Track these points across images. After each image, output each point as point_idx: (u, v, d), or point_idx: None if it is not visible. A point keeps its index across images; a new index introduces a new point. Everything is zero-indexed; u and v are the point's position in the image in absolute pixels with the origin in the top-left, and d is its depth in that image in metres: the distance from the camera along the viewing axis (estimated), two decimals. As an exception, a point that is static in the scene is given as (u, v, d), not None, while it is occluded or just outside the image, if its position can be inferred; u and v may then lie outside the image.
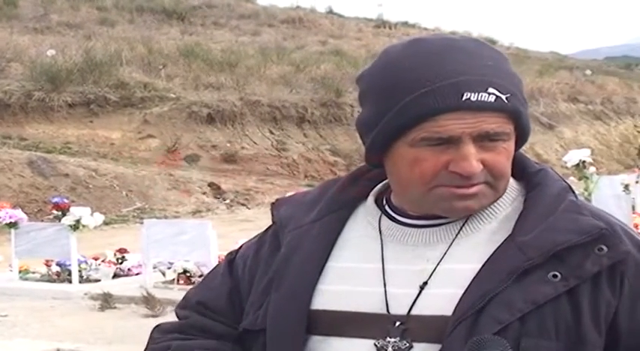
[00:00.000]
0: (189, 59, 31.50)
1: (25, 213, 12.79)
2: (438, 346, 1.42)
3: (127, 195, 21.63)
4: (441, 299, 1.44)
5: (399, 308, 1.47)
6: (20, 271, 11.91)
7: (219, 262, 1.80)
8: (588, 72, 48.38)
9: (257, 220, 17.74)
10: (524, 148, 1.56)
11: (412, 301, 1.47)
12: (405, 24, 58.04)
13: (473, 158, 1.43)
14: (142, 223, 13.38)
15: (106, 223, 14.62)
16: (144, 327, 8.57)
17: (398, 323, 1.46)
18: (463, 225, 1.51)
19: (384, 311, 1.48)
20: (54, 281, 11.61)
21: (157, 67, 29.55)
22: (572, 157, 9.57)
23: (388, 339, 1.46)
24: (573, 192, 1.54)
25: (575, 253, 1.43)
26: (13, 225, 11.76)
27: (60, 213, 11.75)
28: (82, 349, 8.45)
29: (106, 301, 10.32)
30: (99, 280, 11.49)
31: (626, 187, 14.93)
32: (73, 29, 36.99)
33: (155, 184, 22.60)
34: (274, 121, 27.91)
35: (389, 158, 1.51)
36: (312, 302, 1.52)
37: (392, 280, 1.50)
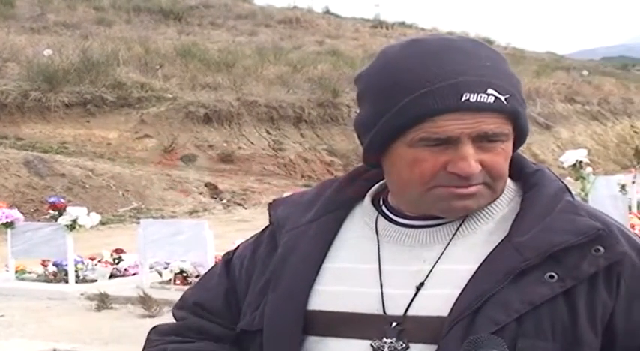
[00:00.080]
0: (186, 59, 31.48)
1: (22, 213, 12.76)
2: (435, 347, 1.42)
3: (123, 195, 21.61)
4: (438, 300, 1.45)
5: (395, 309, 1.47)
6: (17, 271, 11.90)
7: (215, 262, 1.80)
8: (585, 72, 48.40)
9: (254, 221, 17.74)
10: (520, 148, 1.56)
11: (409, 301, 1.47)
12: (402, 24, 58.02)
13: (471, 159, 1.43)
14: (138, 223, 13.36)
15: (102, 223, 14.60)
16: (140, 327, 8.57)
17: (394, 324, 1.46)
18: (460, 225, 1.51)
19: (381, 312, 1.48)
20: (50, 281, 11.59)
21: (154, 67, 29.53)
22: (569, 157, 9.58)
23: (385, 339, 1.46)
24: (570, 192, 1.54)
25: (571, 253, 1.43)
26: (9, 225, 11.75)
27: (56, 213, 11.74)
28: (78, 350, 8.44)
29: (103, 301, 10.31)
30: (95, 280, 11.48)
31: (623, 187, 14.92)
32: (70, 29, 36.95)
33: (152, 184, 22.58)
34: (271, 121, 27.90)
35: (387, 158, 1.51)
36: (309, 302, 1.53)
37: (388, 281, 1.50)
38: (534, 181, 1.55)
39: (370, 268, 1.52)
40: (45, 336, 8.97)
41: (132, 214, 20.37)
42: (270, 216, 1.68)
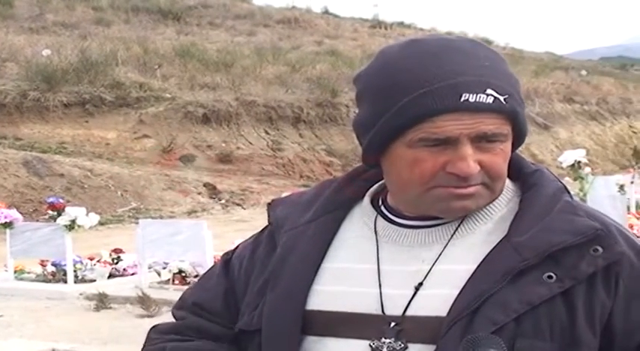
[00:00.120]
0: (185, 59, 31.48)
1: (21, 213, 12.75)
2: (433, 347, 1.42)
3: (122, 195, 21.60)
4: (436, 300, 1.45)
5: (394, 309, 1.47)
6: (15, 271, 11.89)
7: (214, 262, 1.80)
8: (584, 72, 48.42)
9: (252, 221, 17.74)
10: (519, 148, 1.56)
11: (407, 301, 1.47)
12: (401, 24, 58.04)
13: (470, 159, 1.43)
14: (137, 223, 13.36)
15: (101, 223, 14.60)
16: (139, 327, 8.57)
17: (393, 324, 1.46)
18: (459, 226, 1.51)
19: (379, 312, 1.48)
20: (49, 281, 11.58)
21: (153, 67, 29.52)
22: (568, 157, 9.59)
23: (383, 340, 1.46)
24: (569, 192, 1.54)
25: (570, 253, 1.43)
26: (8, 225, 11.74)
27: (55, 213, 11.73)
28: (77, 350, 8.43)
29: (102, 302, 10.30)
30: (94, 280, 11.47)
31: (621, 187, 14.93)
32: (69, 29, 36.94)
33: (150, 185, 22.57)
34: (270, 121, 27.90)
35: (386, 159, 1.51)
36: (308, 303, 1.53)
37: (387, 281, 1.50)
38: (533, 181, 1.55)
39: (369, 269, 1.52)
40: (44, 336, 8.96)
41: (130, 214, 20.36)
42: (269, 216, 1.68)
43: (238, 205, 23.02)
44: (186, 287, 1.86)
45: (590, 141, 37.24)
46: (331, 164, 27.13)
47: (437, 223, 1.52)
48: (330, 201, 1.63)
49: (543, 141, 34.47)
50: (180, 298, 1.76)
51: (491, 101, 1.43)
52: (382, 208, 1.59)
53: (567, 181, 8.59)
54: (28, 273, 12.04)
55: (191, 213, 21.40)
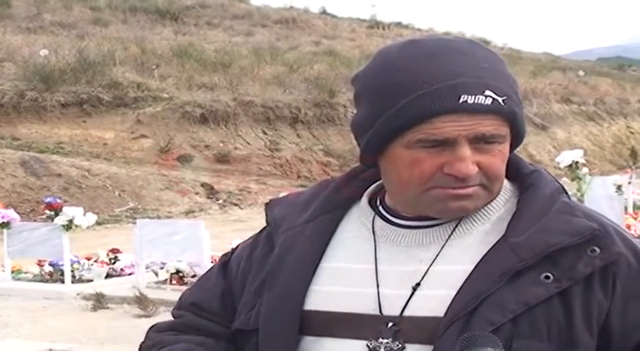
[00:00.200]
0: (183, 59, 31.47)
1: (18, 213, 12.75)
2: (431, 347, 1.42)
3: (119, 195, 21.59)
4: (434, 300, 1.45)
5: (391, 309, 1.47)
6: (13, 271, 11.88)
7: (211, 262, 1.81)
8: (581, 73, 48.46)
9: (250, 221, 17.74)
10: (517, 148, 1.56)
11: (405, 302, 1.47)
12: (399, 24, 58.09)
13: (468, 160, 1.43)
14: (134, 223, 13.35)
15: (98, 223, 14.59)
16: (136, 327, 8.58)
17: (390, 324, 1.46)
18: (456, 226, 1.51)
19: (377, 312, 1.48)
20: (46, 281, 11.58)
21: (150, 67, 29.51)
22: (565, 157, 9.60)
23: (381, 340, 1.46)
24: (566, 193, 1.54)
25: (567, 254, 1.43)
26: (5, 225, 11.73)
27: (53, 213, 11.72)
28: (74, 350, 8.43)
29: (99, 301, 10.30)
30: (91, 280, 11.47)
31: (619, 187, 14.98)
32: (66, 29, 36.93)
33: (148, 185, 22.57)
34: (267, 122, 27.90)
35: (384, 159, 1.51)
36: (305, 303, 1.53)
37: (385, 281, 1.50)
38: (531, 182, 1.55)
39: (366, 269, 1.52)
40: (41, 336, 8.96)
41: (128, 214, 20.35)
42: (266, 216, 1.68)
43: (236, 205, 23.01)
44: (183, 287, 1.87)
45: (587, 141, 37.27)
46: (329, 164, 27.14)
47: (434, 224, 1.52)
48: (328, 201, 1.63)
49: (541, 141, 34.49)
50: (179, 299, 1.77)
51: (489, 102, 1.42)
52: (380, 208, 1.59)
53: (565, 181, 8.59)
54: (26, 273, 12.04)
55: (189, 213, 21.40)
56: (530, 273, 1.42)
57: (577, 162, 9.46)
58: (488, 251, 1.46)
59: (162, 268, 11.34)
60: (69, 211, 11.53)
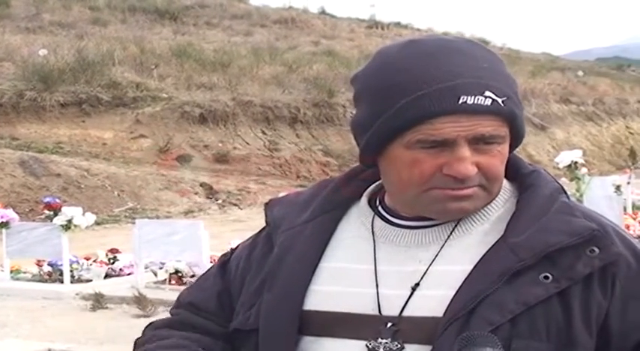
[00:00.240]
0: (182, 59, 31.47)
1: (17, 213, 12.74)
2: (429, 348, 1.42)
3: (118, 195, 21.59)
4: (433, 300, 1.45)
5: (390, 309, 1.47)
6: (11, 271, 11.88)
7: (210, 262, 1.81)
8: (580, 73, 48.49)
9: (249, 221, 17.74)
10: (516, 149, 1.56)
11: (404, 302, 1.47)
12: (398, 24, 58.11)
13: (468, 161, 1.43)
14: (133, 223, 13.35)
15: (97, 223, 14.58)
16: (135, 327, 8.55)
17: (389, 324, 1.46)
18: (455, 226, 1.51)
19: (376, 312, 1.48)
20: (45, 281, 11.57)
21: (150, 67, 29.51)
22: (564, 158, 9.59)
23: (380, 340, 1.46)
24: (566, 193, 1.54)
25: (566, 254, 1.43)
26: (4, 225, 11.72)
27: (52, 213, 11.71)
28: (73, 350, 8.42)
29: (98, 302, 10.30)
30: (90, 280, 11.46)
31: (618, 188, 14.98)
32: (66, 29, 36.93)
33: (147, 185, 22.56)
34: (266, 122, 27.90)
35: (383, 159, 1.51)
36: (305, 303, 1.53)
37: (384, 281, 1.50)
38: (530, 182, 1.55)
39: (366, 269, 1.52)
40: (40, 336, 8.95)
41: (127, 214, 20.35)
42: (266, 216, 1.68)
43: (235, 205, 23.01)
44: (182, 287, 1.88)
45: (586, 141, 37.28)
46: (328, 164, 27.14)
47: (434, 224, 1.52)
48: (328, 201, 1.63)
49: (540, 141, 34.51)
50: (177, 298, 1.77)
51: (489, 103, 1.42)
52: (379, 208, 1.59)
53: (564, 181, 8.58)
54: (24, 273, 12.04)
55: (188, 213, 21.40)
56: (530, 273, 1.42)
57: (576, 162, 9.45)
58: (487, 251, 1.46)
59: (161, 268, 11.34)
60: (68, 211, 11.53)
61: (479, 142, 1.44)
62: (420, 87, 1.43)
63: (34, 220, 14.96)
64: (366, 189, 1.64)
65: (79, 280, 11.47)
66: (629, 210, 15.34)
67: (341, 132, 27.53)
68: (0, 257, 11.99)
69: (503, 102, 1.44)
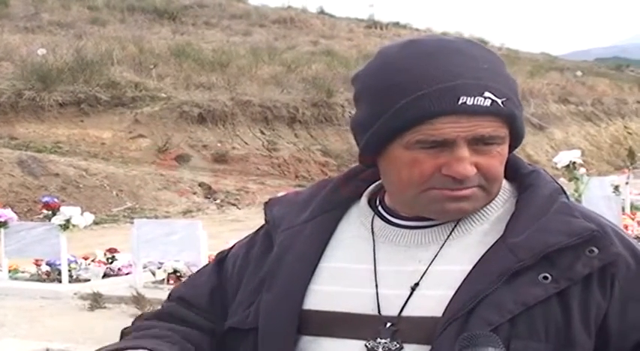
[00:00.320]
0: (181, 59, 31.47)
1: (15, 212, 12.73)
2: (428, 347, 1.42)
3: (117, 195, 21.59)
4: (432, 300, 1.45)
5: (390, 309, 1.47)
6: (10, 271, 11.88)
7: (209, 262, 1.80)
8: (579, 73, 48.54)
9: (247, 220, 17.73)
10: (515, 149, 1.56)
11: (403, 302, 1.47)
12: (397, 24, 58.15)
13: (467, 162, 1.43)
14: (132, 222, 13.35)
15: (96, 223, 14.58)
16: (134, 327, 8.54)
17: (388, 324, 1.46)
18: (455, 226, 1.51)
19: (376, 312, 1.48)
20: (43, 281, 11.57)
21: (148, 67, 29.51)
22: (563, 158, 9.59)
23: (379, 340, 1.46)
24: (565, 194, 1.54)
25: (566, 254, 1.43)
26: (2, 224, 11.72)
27: (50, 212, 11.71)
28: (71, 349, 8.42)
29: (96, 301, 10.29)
30: (89, 280, 11.46)
31: (616, 188, 14.97)
32: (64, 28, 36.93)
33: (146, 184, 22.56)
34: (265, 121, 27.91)
35: (383, 159, 1.51)
36: (304, 302, 1.53)
37: (383, 281, 1.50)
38: (529, 182, 1.55)
39: (365, 269, 1.52)
40: (38, 336, 8.95)
41: (125, 214, 20.35)
42: (265, 215, 1.68)
43: (233, 205, 23.02)
44: (180, 286, 1.87)
45: (585, 142, 37.31)
46: (327, 164, 27.14)
47: (433, 224, 1.52)
48: (327, 201, 1.63)
49: (538, 141, 34.53)
50: (170, 292, 1.77)
51: (489, 104, 1.42)
52: (379, 208, 1.59)
53: (562, 181, 8.57)
54: (23, 272, 12.03)
55: (186, 213, 21.40)
56: (529, 273, 1.42)
57: (574, 162, 9.45)
58: (486, 251, 1.46)
59: (159, 268, 11.34)
60: (66, 211, 11.52)
61: (478, 142, 1.44)
62: (420, 87, 1.42)
63: (32, 220, 14.95)
64: (365, 189, 1.64)
65: (77, 280, 11.47)
66: (628, 210, 15.35)
67: (340, 132, 27.54)
68: (-2, 257, 11.99)
69: (502, 103, 1.44)
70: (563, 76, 46.61)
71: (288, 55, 36.49)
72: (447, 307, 1.42)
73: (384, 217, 1.57)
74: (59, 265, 11.39)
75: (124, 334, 1.65)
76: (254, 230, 1.73)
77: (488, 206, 1.52)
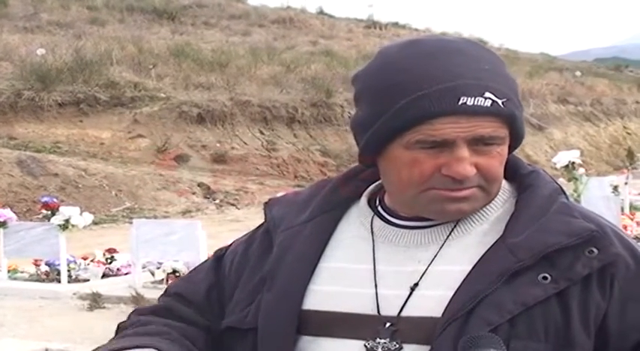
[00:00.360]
0: (180, 59, 31.47)
1: (14, 212, 12.73)
2: (428, 348, 1.42)
3: (116, 195, 21.58)
4: (431, 300, 1.45)
5: (389, 309, 1.47)
6: (9, 271, 11.88)
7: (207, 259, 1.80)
8: (578, 73, 48.55)
9: (247, 220, 17.74)
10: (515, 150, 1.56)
11: (403, 302, 1.47)
12: (396, 25, 58.14)
13: (467, 162, 1.43)
14: (131, 222, 13.34)
15: (95, 223, 14.57)
16: (133, 327, 8.54)
17: (388, 324, 1.46)
18: (455, 227, 1.51)
19: (375, 312, 1.48)
20: (43, 281, 11.57)
21: (147, 67, 29.51)
22: (562, 158, 9.59)
23: (378, 340, 1.46)
24: (565, 194, 1.54)
25: (565, 255, 1.43)
26: (1, 224, 11.72)
27: (49, 212, 11.71)
28: (70, 349, 8.42)
29: (95, 301, 10.29)
30: (88, 280, 11.46)
31: (615, 188, 14.98)
32: (63, 28, 36.92)
33: (145, 184, 22.56)
34: (264, 122, 27.90)
35: (383, 159, 1.51)
36: (304, 302, 1.52)
37: (383, 282, 1.50)
38: (529, 182, 1.55)
39: (365, 269, 1.52)
40: (37, 336, 8.95)
41: (125, 214, 20.35)
42: (265, 215, 1.68)
43: (232, 205, 23.02)
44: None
45: (584, 142, 37.32)
46: (326, 164, 27.14)
47: (433, 224, 1.52)
48: (327, 201, 1.63)
49: (537, 142, 34.53)
50: (166, 288, 1.77)
51: (489, 105, 1.42)
52: (379, 208, 1.59)
53: (561, 182, 8.57)
54: (22, 272, 12.03)
55: (185, 213, 21.40)
56: (528, 273, 1.42)
57: (574, 162, 9.45)
58: (486, 252, 1.46)
59: (158, 268, 11.33)
60: (65, 211, 11.52)
61: (478, 143, 1.44)
62: (420, 87, 1.42)
63: (31, 220, 14.94)
64: (365, 189, 1.63)
65: (77, 280, 11.47)
66: (627, 210, 15.36)
67: (339, 132, 27.53)
68: (-3, 257, 11.98)
69: (503, 103, 1.43)
70: (562, 76, 46.62)
71: (288, 55, 36.49)
72: (446, 308, 1.42)
73: (384, 217, 1.57)
74: (58, 265, 11.39)
75: (120, 328, 1.65)
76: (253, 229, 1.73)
77: (487, 206, 1.52)
